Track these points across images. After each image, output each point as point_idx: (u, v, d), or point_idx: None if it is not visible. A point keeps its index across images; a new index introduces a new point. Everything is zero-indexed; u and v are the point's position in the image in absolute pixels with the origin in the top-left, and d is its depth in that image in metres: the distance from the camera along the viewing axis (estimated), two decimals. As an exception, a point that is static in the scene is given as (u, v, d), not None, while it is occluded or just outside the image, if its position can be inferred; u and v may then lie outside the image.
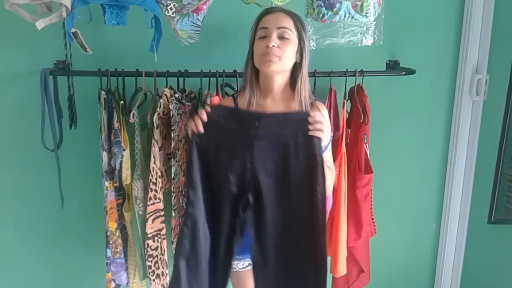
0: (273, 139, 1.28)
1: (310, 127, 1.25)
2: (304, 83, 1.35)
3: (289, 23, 1.29)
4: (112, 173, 1.54)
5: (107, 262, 1.59)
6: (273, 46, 1.26)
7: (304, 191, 1.28)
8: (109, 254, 1.58)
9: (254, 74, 1.36)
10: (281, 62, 1.28)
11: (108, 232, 1.56)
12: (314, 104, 1.39)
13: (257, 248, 1.32)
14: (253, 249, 1.33)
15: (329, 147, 1.40)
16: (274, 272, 1.34)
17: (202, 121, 1.28)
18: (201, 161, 1.30)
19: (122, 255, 1.61)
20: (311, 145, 1.26)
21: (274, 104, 1.36)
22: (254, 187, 1.28)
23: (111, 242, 1.57)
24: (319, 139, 1.26)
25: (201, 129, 1.28)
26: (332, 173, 1.38)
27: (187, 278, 1.32)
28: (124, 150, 1.51)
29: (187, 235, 1.30)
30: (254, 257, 1.34)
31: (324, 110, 1.41)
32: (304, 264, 1.31)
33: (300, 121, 1.26)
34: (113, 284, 1.61)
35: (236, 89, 1.61)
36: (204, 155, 1.30)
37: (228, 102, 1.42)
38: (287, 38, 1.28)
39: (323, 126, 1.26)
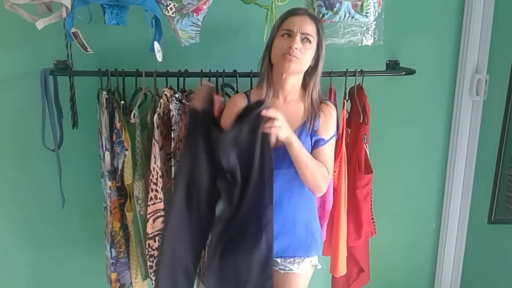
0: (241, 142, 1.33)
1: (265, 125, 1.27)
2: (315, 86, 1.39)
3: (313, 29, 1.32)
4: (115, 173, 1.54)
5: (113, 262, 1.59)
6: (296, 48, 1.29)
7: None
8: (114, 254, 1.58)
9: (270, 71, 1.38)
10: (299, 64, 1.32)
11: (113, 232, 1.56)
12: (324, 103, 1.41)
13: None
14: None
15: (330, 146, 1.41)
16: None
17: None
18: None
19: (126, 255, 1.62)
20: (262, 141, 1.30)
21: (285, 105, 1.40)
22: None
23: (115, 242, 1.57)
24: (268, 135, 1.28)
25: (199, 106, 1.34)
26: (321, 171, 1.37)
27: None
28: (126, 150, 1.51)
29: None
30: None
31: (333, 111, 1.43)
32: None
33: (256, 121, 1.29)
34: (118, 284, 1.61)
35: (235, 89, 1.61)
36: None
37: (241, 98, 1.45)
38: (309, 42, 1.32)
39: (277, 122, 1.26)
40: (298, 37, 1.30)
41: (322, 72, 1.60)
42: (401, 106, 1.95)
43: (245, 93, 1.48)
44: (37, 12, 1.38)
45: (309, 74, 1.39)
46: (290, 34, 1.31)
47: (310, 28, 1.31)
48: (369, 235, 1.81)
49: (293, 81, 1.37)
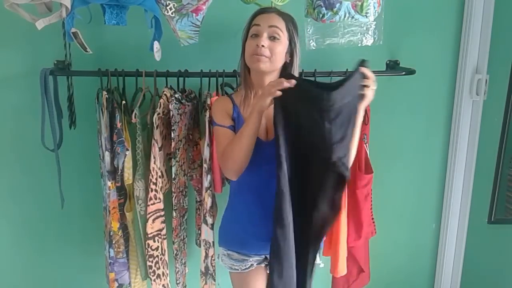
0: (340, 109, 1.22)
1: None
2: None
3: (280, 23, 1.33)
4: (115, 173, 1.53)
5: (110, 262, 1.58)
6: (263, 46, 1.30)
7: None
8: (112, 254, 1.58)
9: (248, 72, 1.39)
10: (270, 62, 1.33)
11: (111, 232, 1.56)
12: None
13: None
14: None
15: None
16: None
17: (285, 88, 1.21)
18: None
19: (125, 255, 1.61)
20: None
21: None
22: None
23: (114, 242, 1.57)
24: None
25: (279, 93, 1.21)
26: None
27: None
28: (127, 150, 1.51)
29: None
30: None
31: None
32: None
33: (357, 86, 1.25)
34: (116, 284, 1.61)
35: (236, 89, 1.61)
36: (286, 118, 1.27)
37: (226, 101, 1.44)
38: (277, 38, 1.32)
39: (374, 85, 1.26)
40: (265, 34, 1.31)
41: (322, 72, 1.62)
42: (401, 106, 1.95)
43: (228, 94, 1.50)
44: (37, 12, 1.38)
45: (285, 72, 1.37)
46: (258, 32, 1.33)
47: (277, 21, 1.33)
48: (369, 235, 1.81)
49: (269, 79, 1.36)
